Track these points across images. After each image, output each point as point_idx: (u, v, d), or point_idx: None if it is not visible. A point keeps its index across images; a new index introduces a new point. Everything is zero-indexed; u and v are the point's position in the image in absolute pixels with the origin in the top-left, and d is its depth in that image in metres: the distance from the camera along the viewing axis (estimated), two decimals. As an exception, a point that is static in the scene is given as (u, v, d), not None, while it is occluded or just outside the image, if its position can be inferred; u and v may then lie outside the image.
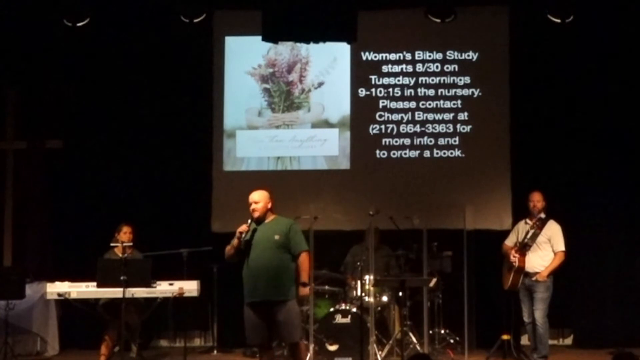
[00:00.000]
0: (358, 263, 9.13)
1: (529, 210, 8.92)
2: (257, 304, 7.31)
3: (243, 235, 7.30)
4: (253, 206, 7.39)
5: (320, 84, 10.58)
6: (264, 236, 7.33)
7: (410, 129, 10.45)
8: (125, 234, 8.87)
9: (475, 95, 10.43)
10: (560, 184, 10.05)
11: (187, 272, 8.90)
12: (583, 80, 10.22)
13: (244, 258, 7.41)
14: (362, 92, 10.51)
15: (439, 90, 10.47)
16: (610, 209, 10.14)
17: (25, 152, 10.76)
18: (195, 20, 9.76)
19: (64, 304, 9.40)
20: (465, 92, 10.44)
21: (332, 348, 8.75)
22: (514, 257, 8.76)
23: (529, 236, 8.78)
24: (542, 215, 8.86)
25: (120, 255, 8.74)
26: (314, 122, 10.56)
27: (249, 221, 7.36)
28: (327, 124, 10.55)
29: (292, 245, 7.35)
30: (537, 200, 8.86)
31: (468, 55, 10.46)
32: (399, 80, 10.50)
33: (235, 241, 7.33)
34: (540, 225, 8.80)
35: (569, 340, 10.43)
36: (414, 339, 9.02)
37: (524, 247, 8.76)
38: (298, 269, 7.34)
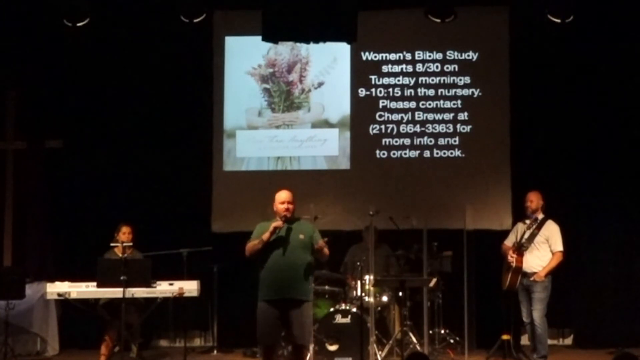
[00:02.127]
0: (358, 263, 9.13)
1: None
2: (277, 301, 7.28)
3: (277, 232, 7.30)
4: (287, 206, 7.39)
5: (320, 84, 10.58)
6: (290, 235, 7.36)
7: (410, 129, 10.46)
8: (124, 234, 8.86)
9: (475, 95, 10.43)
10: (560, 184, 10.05)
11: (187, 272, 8.92)
12: (583, 80, 10.22)
13: (267, 256, 7.36)
14: (362, 92, 10.51)
15: (439, 90, 10.47)
16: (610, 209, 10.14)
17: (25, 152, 10.75)
18: (195, 20, 9.75)
19: (64, 304, 9.41)
20: (465, 92, 10.44)
21: (332, 348, 8.75)
22: (512, 257, 8.77)
23: (525, 236, 8.78)
24: (540, 216, 8.86)
25: (120, 255, 8.75)
26: (314, 122, 10.56)
27: (283, 219, 7.34)
28: (327, 124, 10.55)
29: (316, 242, 7.41)
30: (530, 200, 8.87)
31: (468, 55, 10.47)
32: (399, 80, 10.51)
33: (266, 235, 7.28)
34: (538, 225, 8.80)
35: (569, 340, 10.44)
36: (414, 339, 9.02)
37: (520, 247, 8.76)
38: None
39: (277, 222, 7.31)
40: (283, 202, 7.41)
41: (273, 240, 7.33)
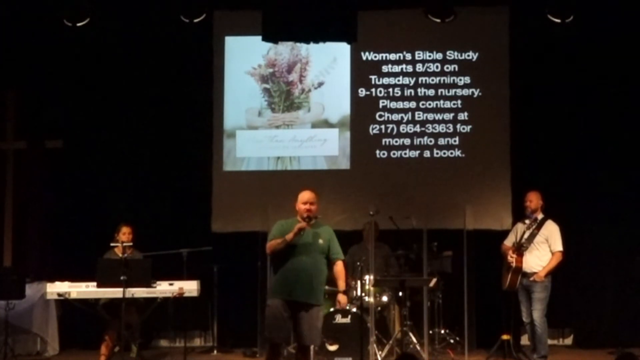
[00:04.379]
0: (358, 263, 9.13)
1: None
2: (289, 302, 7.27)
3: (302, 233, 7.28)
4: (309, 206, 7.34)
5: (320, 84, 10.58)
6: (310, 239, 7.34)
7: (410, 129, 10.46)
8: (124, 235, 8.86)
9: (475, 95, 10.43)
10: (560, 184, 10.05)
11: (187, 272, 8.91)
12: (583, 80, 10.22)
13: (286, 256, 7.32)
14: (362, 92, 10.51)
15: (439, 90, 10.47)
16: (610, 208, 10.13)
17: (25, 152, 10.74)
18: (195, 20, 9.76)
19: (64, 304, 9.41)
20: (465, 92, 10.44)
21: (332, 348, 8.75)
22: (511, 258, 8.77)
23: (525, 236, 8.78)
24: (539, 216, 8.87)
25: (120, 255, 8.75)
26: (314, 122, 10.56)
27: (307, 220, 7.29)
28: (327, 124, 10.55)
29: (332, 252, 7.41)
30: (529, 200, 8.87)
31: (468, 55, 10.47)
32: (399, 80, 10.51)
33: (290, 235, 7.23)
34: (538, 225, 8.81)
35: (569, 340, 10.44)
36: (414, 339, 9.01)
37: (520, 247, 8.76)
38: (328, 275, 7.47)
39: (302, 224, 7.25)
40: (305, 203, 7.35)
41: (294, 241, 7.30)
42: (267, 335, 7.43)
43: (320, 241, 7.35)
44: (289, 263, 7.30)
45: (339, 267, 7.43)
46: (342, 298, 7.46)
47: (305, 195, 7.40)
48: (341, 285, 7.45)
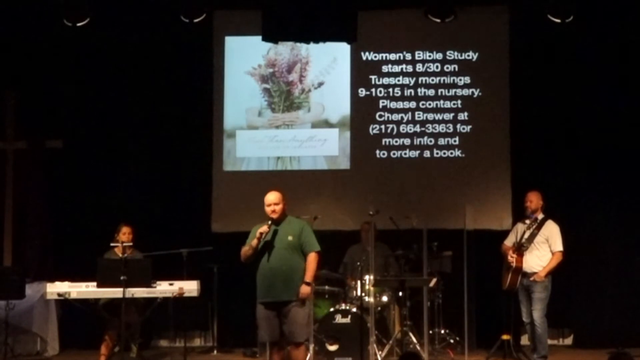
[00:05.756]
0: (358, 263, 9.13)
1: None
2: (269, 303, 7.38)
3: (264, 236, 7.33)
4: (273, 207, 7.44)
5: (320, 84, 10.58)
6: (278, 237, 7.42)
7: (410, 129, 10.46)
8: (124, 235, 8.86)
9: (475, 95, 10.44)
10: (560, 184, 10.05)
11: (187, 272, 8.93)
12: (583, 80, 10.22)
13: (258, 258, 7.44)
14: (362, 92, 10.51)
15: (439, 90, 10.48)
16: (609, 208, 10.15)
17: (25, 152, 10.74)
18: (195, 20, 9.76)
19: (64, 304, 9.41)
20: (465, 92, 10.44)
21: (332, 348, 8.75)
22: (512, 257, 8.77)
23: (525, 236, 8.78)
24: (539, 216, 8.87)
25: (120, 255, 8.75)
26: (314, 122, 10.56)
27: (269, 222, 7.41)
28: (327, 124, 10.55)
29: (304, 245, 7.45)
30: (529, 200, 8.87)
31: (468, 55, 10.47)
32: (399, 80, 10.51)
33: (254, 242, 7.38)
34: (538, 225, 8.81)
35: (569, 340, 10.44)
36: (414, 339, 9.02)
37: (520, 247, 8.77)
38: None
39: (263, 228, 7.37)
40: (270, 205, 7.47)
41: (262, 244, 7.40)
42: (260, 337, 7.56)
43: (290, 237, 7.40)
44: (260, 266, 7.45)
45: (309, 259, 7.45)
46: (302, 289, 7.38)
47: (269, 197, 7.49)
48: (307, 276, 7.41)
